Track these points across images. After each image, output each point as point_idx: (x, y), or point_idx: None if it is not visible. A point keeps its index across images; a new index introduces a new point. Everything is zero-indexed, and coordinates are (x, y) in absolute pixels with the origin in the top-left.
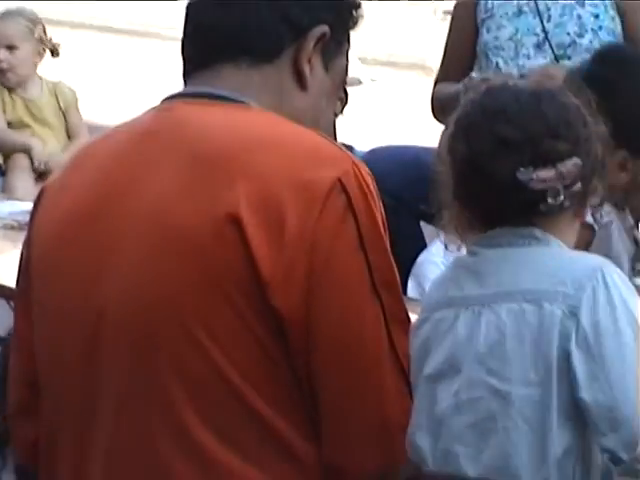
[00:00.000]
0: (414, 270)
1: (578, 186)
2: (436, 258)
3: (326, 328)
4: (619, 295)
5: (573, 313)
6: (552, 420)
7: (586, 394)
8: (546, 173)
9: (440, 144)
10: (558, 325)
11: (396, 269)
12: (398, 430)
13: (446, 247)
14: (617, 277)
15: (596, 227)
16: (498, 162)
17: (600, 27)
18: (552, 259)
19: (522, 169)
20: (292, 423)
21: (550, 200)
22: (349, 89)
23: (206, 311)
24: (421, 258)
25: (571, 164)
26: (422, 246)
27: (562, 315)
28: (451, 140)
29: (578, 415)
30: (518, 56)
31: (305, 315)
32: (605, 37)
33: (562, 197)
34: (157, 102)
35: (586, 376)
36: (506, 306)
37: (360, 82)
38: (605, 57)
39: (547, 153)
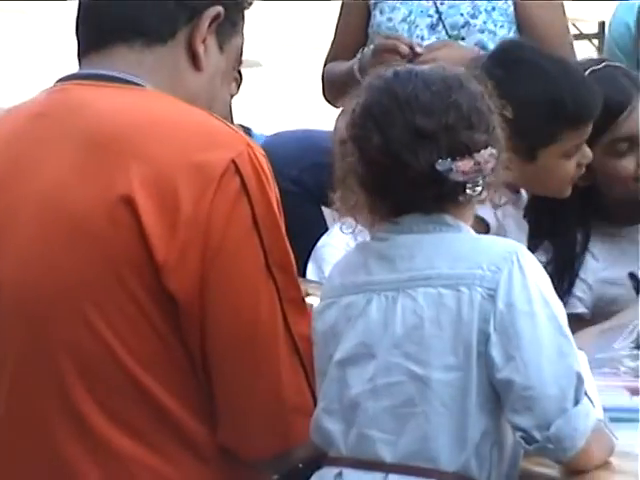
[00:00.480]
0: (314, 254)
1: (492, 176)
2: (336, 242)
3: (220, 310)
4: (534, 277)
5: (491, 296)
6: (471, 404)
7: (503, 375)
8: (465, 164)
9: (340, 129)
10: (478, 308)
11: (290, 250)
12: (294, 412)
13: (342, 231)
14: (531, 260)
15: (490, 222)
16: (416, 153)
17: (493, 8)
18: (466, 243)
19: (441, 160)
20: (186, 406)
21: (469, 191)
22: (249, 71)
23: (100, 294)
24: (321, 242)
25: (487, 154)
26: (324, 231)
27: (481, 299)
28: (358, 128)
29: (496, 399)
30: (412, 37)
31: (200, 298)
32: (498, 17)
33: (480, 188)
34: (50, 83)
35: (502, 357)
36: (423, 290)
37: (260, 64)
38: (500, 57)
39: (464, 143)
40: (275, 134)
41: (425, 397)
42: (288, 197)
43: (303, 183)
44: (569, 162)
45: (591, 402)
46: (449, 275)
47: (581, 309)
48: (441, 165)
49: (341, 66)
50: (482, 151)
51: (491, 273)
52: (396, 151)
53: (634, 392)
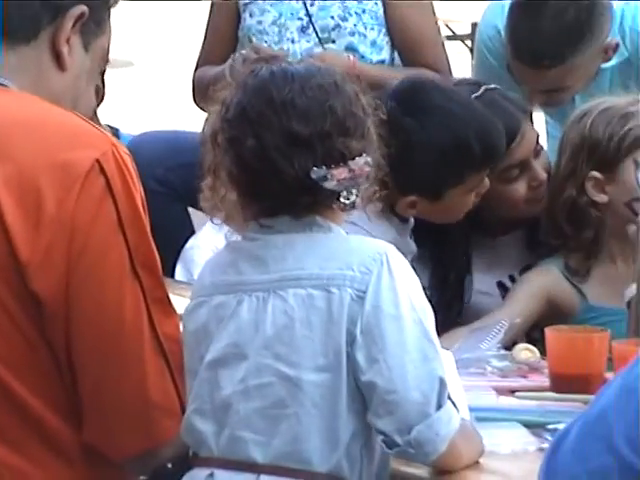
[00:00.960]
0: (182, 255)
1: (366, 183)
2: (204, 243)
3: (85, 310)
4: (402, 280)
5: (360, 297)
6: (342, 405)
7: (367, 377)
8: (340, 172)
9: (209, 129)
10: (347, 309)
11: (156, 251)
12: (159, 411)
13: (212, 227)
14: (401, 262)
15: None
16: (291, 160)
17: (364, 10)
18: (337, 244)
19: (316, 168)
20: (50, 405)
21: (343, 200)
22: (121, 71)
23: None
24: (190, 244)
25: (363, 162)
26: (190, 231)
27: (350, 300)
28: (233, 128)
29: (365, 400)
30: (282, 40)
31: (64, 297)
32: (369, 20)
33: (355, 196)
34: None
35: (366, 359)
36: (293, 291)
37: (132, 64)
38: (408, 102)
39: (340, 151)
40: (142, 134)
41: (296, 398)
42: (153, 197)
43: (169, 183)
44: (471, 195)
45: (455, 406)
46: (319, 275)
47: None
48: (316, 173)
49: (211, 71)
50: (357, 159)
51: (361, 274)
52: (271, 157)
53: (500, 392)
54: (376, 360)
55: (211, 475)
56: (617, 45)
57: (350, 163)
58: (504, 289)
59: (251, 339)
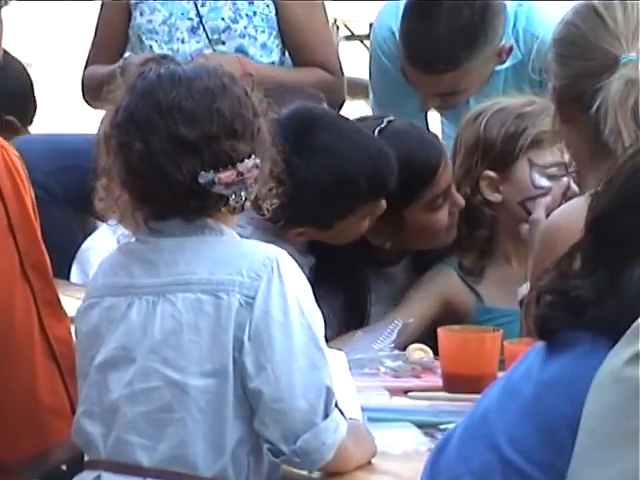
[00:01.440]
0: (78, 257)
1: (256, 185)
2: (100, 245)
3: None
4: (292, 286)
5: (249, 303)
6: (228, 411)
7: (254, 384)
8: (228, 176)
9: (102, 131)
10: (234, 315)
11: (46, 253)
12: (50, 414)
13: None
14: (292, 268)
15: None
16: (179, 164)
17: (255, 12)
18: (227, 248)
19: (203, 173)
20: None
21: (232, 203)
22: None
23: None
24: (86, 245)
25: (251, 164)
26: (74, 234)
27: (239, 305)
28: (122, 133)
29: (252, 405)
30: (172, 40)
31: None
32: (259, 22)
33: (244, 199)
34: None
35: (254, 367)
36: (182, 295)
37: (30, 65)
38: (298, 140)
39: (227, 154)
40: (27, 138)
41: (182, 403)
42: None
43: (48, 187)
44: (365, 221)
45: (342, 414)
46: (209, 280)
47: None
48: (203, 178)
49: (102, 70)
50: (246, 161)
51: (250, 280)
52: (159, 161)
53: (393, 392)
54: (264, 368)
55: (98, 477)
56: (511, 48)
57: (238, 166)
58: None
59: (139, 342)
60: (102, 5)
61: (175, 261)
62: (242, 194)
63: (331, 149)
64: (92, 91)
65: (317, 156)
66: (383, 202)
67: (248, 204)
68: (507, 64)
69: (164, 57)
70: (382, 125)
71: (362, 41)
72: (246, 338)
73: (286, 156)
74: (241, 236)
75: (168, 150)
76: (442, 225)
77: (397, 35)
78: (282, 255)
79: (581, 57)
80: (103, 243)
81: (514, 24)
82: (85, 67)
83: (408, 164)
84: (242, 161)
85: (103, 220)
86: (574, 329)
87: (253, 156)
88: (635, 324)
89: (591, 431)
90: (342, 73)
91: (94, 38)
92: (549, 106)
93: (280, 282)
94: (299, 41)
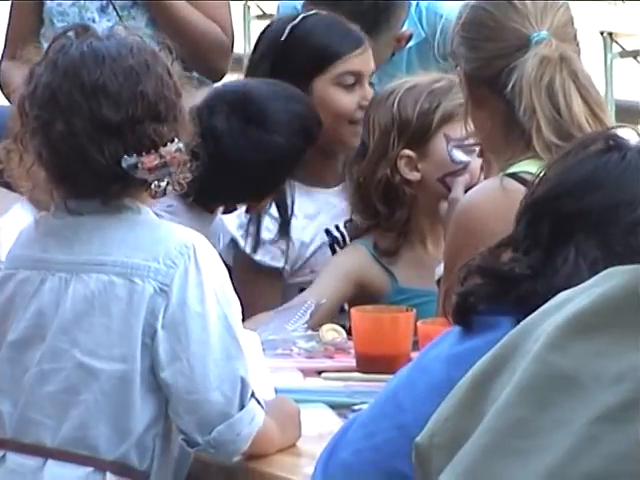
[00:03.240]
0: None
1: (179, 169)
2: (12, 224)
3: None
4: (209, 274)
5: (164, 291)
6: (135, 396)
7: (167, 374)
8: (151, 160)
9: (17, 103)
10: (147, 301)
11: None
12: None
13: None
14: (209, 255)
15: None
16: (101, 147)
17: None
18: (145, 232)
19: (126, 157)
20: None
21: (154, 187)
22: None
23: None
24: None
25: (174, 148)
26: None
27: (153, 292)
28: (43, 110)
29: (162, 392)
30: (83, 20)
31: None
32: None
33: (166, 183)
34: None
35: (168, 356)
36: (95, 276)
37: None
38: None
39: (150, 138)
40: None
41: (88, 386)
42: None
43: None
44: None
45: (259, 403)
46: (124, 263)
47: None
48: (126, 162)
49: (19, 72)
50: (169, 145)
51: (166, 267)
52: (81, 144)
53: (307, 373)
54: (179, 358)
55: (3, 457)
56: (410, 35)
57: (162, 150)
58: (331, 236)
59: (51, 321)
60: None
61: (90, 240)
62: (165, 179)
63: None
64: (8, 87)
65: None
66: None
67: (170, 188)
68: (411, 43)
69: (84, 27)
70: (295, 22)
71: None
72: (159, 325)
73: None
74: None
75: (91, 133)
76: (347, 109)
77: (300, 9)
78: (199, 241)
79: (492, 39)
80: (14, 223)
81: (417, 3)
82: (1, 58)
83: (322, 37)
84: (165, 145)
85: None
86: (495, 310)
87: (176, 140)
88: (553, 300)
89: (502, 414)
90: (232, 34)
91: (7, 25)
92: (456, 81)
93: (197, 271)
94: (195, 3)
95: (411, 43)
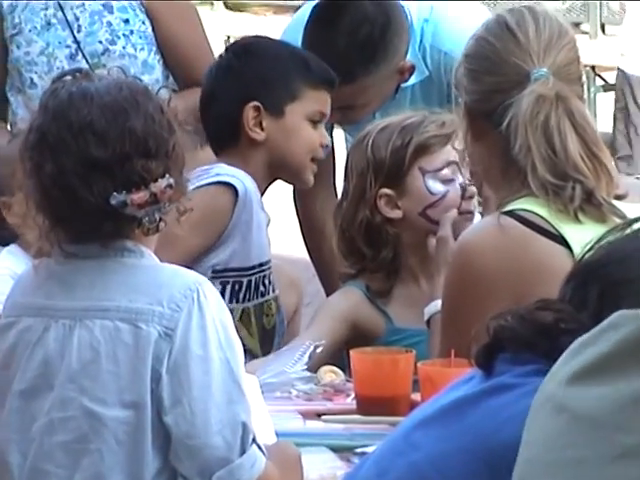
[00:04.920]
0: None
1: (170, 205)
2: (1, 269)
3: None
4: (212, 318)
5: (168, 335)
6: (147, 442)
7: (169, 418)
8: (141, 197)
9: (20, 146)
10: (153, 346)
11: None
12: None
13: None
14: (213, 298)
15: None
16: (90, 186)
17: (131, 31)
18: (147, 275)
19: (115, 194)
20: None
21: (146, 223)
22: None
23: None
24: None
25: (165, 184)
26: None
27: (158, 337)
28: (35, 153)
29: (169, 436)
30: (52, 70)
31: None
32: (137, 40)
33: (158, 219)
34: None
35: (170, 400)
36: (100, 323)
37: None
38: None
39: (139, 174)
40: None
41: (99, 434)
42: None
43: None
44: (310, 129)
45: (260, 449)
46: (128, 309)
47: None
48: (115, 199)
49: None
50: (159, 181)
51: (171, 311)
52: (70, 183)
53: (307, 416)
54: (180, 402)
55: None
56: (413, 67)
57: (151, 186)
58: None
59: (57, 370)
60: None
61: (93, 284)
62: (156, 215)
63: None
64: None
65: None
66: (326, 98)
67: (162, 224)
68: (414, 80)
69: (78, 71)
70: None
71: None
72: (164, 370)
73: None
74: None
75: (79, 171)
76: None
77: None
78: (203, 284)
79: (492, 72)
80: (4, 267)
81: (420, 41)
82: None
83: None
84: (155, 181)
85: (4, 244)
86: (520, 356)
87: (167, 175)
88: (572, 345)
89: (529, 460)
90: None
91: None
92: (431, 114)
93: (200, 314)
94: (179, 57)
95: (414, 80)
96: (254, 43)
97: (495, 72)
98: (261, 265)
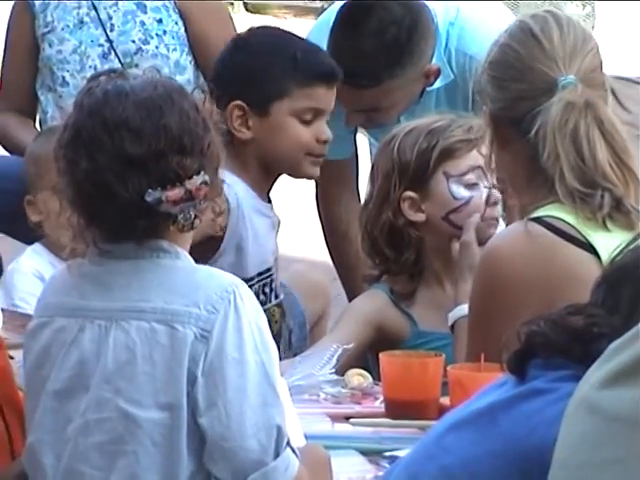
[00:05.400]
0: (3, 280)
1: (205, 202)
2: (25, 267)
3: None
4: (249, 320)
5: (204, 337)
6: (182, 444)
7: (204, 420)
8: (176, 194)
9: (56, 146)
10: (189, 348)
11: None
12: None
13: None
14: (249, 300)
15: None
16: (125, 182)
17: (164, 32)
18: (184, 277)
19: (150, 190)
20: None
21: (181, 220)
22: None
23: None
24: (10, 268)
25: (200, 181)
26: None
27: (194, 338)
28: (69, 150)
29: (203, 438)
30: (84, 68)
31: None
32: (170, 41)
33: (193, 216)
34: None
35: (206, 402)
36: (136, 324)
37: None
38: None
39: (174, 171)
40: None
41: (135, 436)
42: None
43: None
44: (299, 126)
45: (294, 452)
46: (164, 310)
47: None
48: (150, 196)
49: (16, 134)
50: (194, 177)
51: (207, 313)
52: (104, 179)
53: (335, 419)
54: (215, 404)
55: None
56: (439, 70)
57: (186, 183)
58: None
59: (93, 371)
60: (6, 41)
61: (128, 285)
62: (191, 212)
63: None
64: (7, 140)
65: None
66: (323, 93)
67: (198, 221)
68: (439, 84)
69: (113, 71)
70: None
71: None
72: (199, 373)
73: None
74: None
75: (114, 167)
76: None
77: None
78: (240, 286)
79: (517, 80)
80: (28, 266)
81: (446, 44)
82: None
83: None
84: (190, 178)
85: (28, 242)
86: (553, 362)
87: (202, 172)
88: (607, 349)
89: (563, 463)
90: None
91: (2, 75)
92: (459, 117)
93: (237, 316)
94: (210, 58)
95: (439, 84)
96: (252, 36)
97: (521, 79)
98: (260, 274)
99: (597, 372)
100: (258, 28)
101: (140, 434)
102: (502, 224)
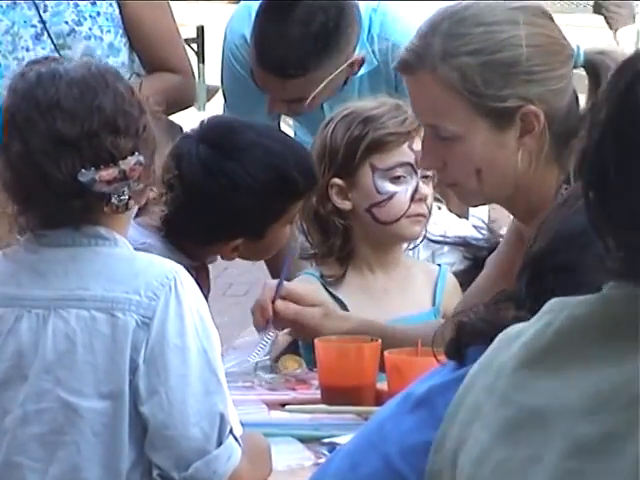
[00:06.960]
0: None
1: (140, 183)
2: None
3: None
4: (189, 306)
5: (145, 324)
6: (124, 434)
7: (146, 408)
8: (109, 174)
9: None
10: (130, 335)
11: None
12: None
13: None
14: (189, 286)
15: None
16: (57, 163)
17: (98, 13)
18: (123, 264)
19: (84, 171)
20: None
21: (115, 201)
22: None
23: None
24: None
25: (134, 161)
26: None
27: (135, 326)
28: (2, 137)
29: (144, 427)
30: (17, 49)
31: None
32: (104, 22)
33: (127, 197)
34: None
35: (147, 390)
36: (75, 312)
37: None
38: (218, 144)
39: (108, 151)
40: None
41: (75, 426)
42: None
43: None
44: (286, 229)
45: (237, 440)
46: (104, 298)
47: None
48: (84, 176)
49: None
50: (128, 158)
51: (148, 300)
52: (37, 160)
53: (271, 406)
54: (157, 392)
55: None
56: (363, 60)
57: (120, 163)
58: None
59: (31, 361)
60: None
61: (66, 273)
62: (125, 192)
63: (258, 145)
64: None
65: (246, 154)
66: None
67: (132, 202)
68: (363, 71)
69: (46, 58)
70: None
71: (190, 44)
72: (141, 360)
73: (217, 163)
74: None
75: (47, 149)
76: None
77: (249, 41)
78: (180, 272)
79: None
80: None
81: (369, 30)
82: None
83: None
84: (124, 158)
85: None
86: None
87: (136, 153)
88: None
89: (478, 461)
90: (192, 75)
91: None
92: (398, 106)
93: (177, 303)
94: (145, 40)
95: (363, 71)
96: (234, 159)
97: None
98: None
99: (499, 357)
100: (231, 140)
101: (81, 424)
102: (440, 213)
